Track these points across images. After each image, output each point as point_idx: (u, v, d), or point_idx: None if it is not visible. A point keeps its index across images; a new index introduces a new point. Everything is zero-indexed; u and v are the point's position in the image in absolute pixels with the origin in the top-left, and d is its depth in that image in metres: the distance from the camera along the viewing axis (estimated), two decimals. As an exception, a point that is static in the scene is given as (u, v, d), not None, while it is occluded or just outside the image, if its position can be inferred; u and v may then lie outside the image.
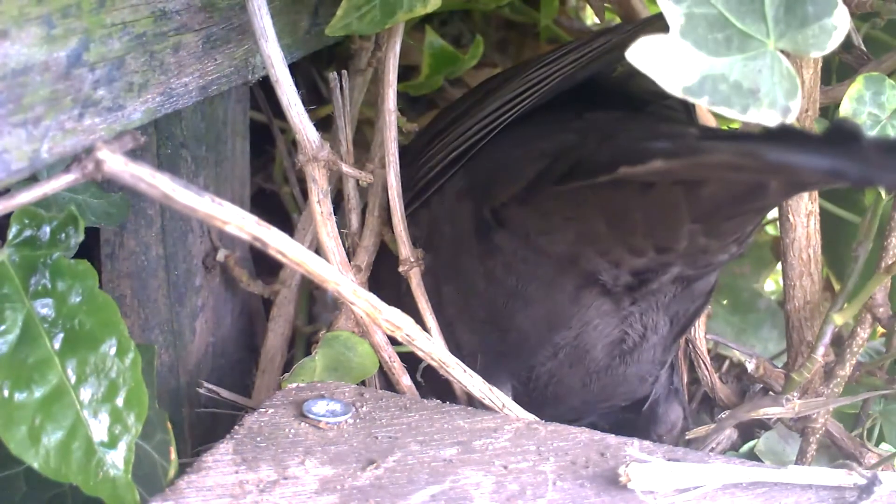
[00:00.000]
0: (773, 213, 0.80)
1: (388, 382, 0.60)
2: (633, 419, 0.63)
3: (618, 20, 0.72)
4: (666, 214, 0.47)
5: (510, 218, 0.54)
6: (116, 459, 0.46)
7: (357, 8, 0.55)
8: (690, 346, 0.67)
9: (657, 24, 0.51)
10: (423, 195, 0.61)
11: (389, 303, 0.49)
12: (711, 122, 0.67)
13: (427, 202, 0.61)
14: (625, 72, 0.64)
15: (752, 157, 0.39)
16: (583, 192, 0.48)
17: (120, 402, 0.47)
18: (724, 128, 0.70)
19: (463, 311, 0.58)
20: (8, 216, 0.46)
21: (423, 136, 0.67)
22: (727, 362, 0.71)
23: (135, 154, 0.55)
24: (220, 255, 0.69)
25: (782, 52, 0.45)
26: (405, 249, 0.59)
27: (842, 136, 0.35)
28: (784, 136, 0.38)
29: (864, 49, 0.62)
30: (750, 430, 0.68)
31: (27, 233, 0.47)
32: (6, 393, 0.44)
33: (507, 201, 0.54)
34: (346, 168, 0.58)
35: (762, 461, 0.64)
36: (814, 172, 0.37)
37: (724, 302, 0.82)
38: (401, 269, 0.59)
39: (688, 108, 0.64)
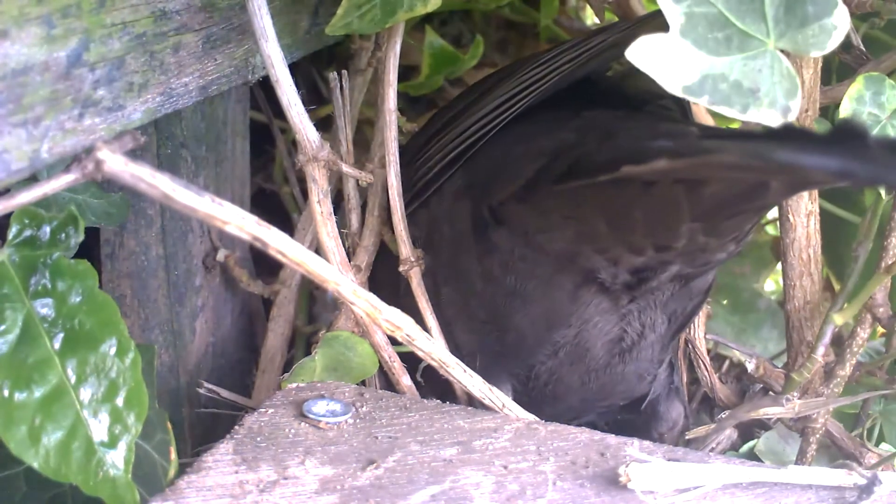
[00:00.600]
0: (773, 213, 0.80)
1: (388, 382, 0.60)
2: (633, 419, 0.63)
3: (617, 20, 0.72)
4: (666, 213, 0.47)
5: (508, 216, 0.54)
6: (116, 459, 0.46)
7: (357, 7, 0.55)
8: (690, 346, 0.67)
9: (653, 22, 0.51)
10: (422, 196, 0.61)
11: (388, 304, 0.49)
12: (708, 122, 0.67)
13: (426, 202, 0.61)
14: (620, 71, 0.64)
15: (759, 158, 0.39)
16: (582, 190, 0.48)
17: (120, 401, 0.47)
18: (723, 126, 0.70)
19: (462, 311, 0.58)
20: (8, 216, 0.46)
21: (419, 137, 0.67)
22: (727, 362, 0.71)
23: (135, 154, 0.55)
24: (220, 255, 0.69)
25: (782, 51, 0.45)
26: (405, 249, 0.59)
27: (847, 135, 0.35)
28: (788, 135, 0.38)
29: (864, 49, 0.62)
30: (750, 430, 0.68)
31: (27, 233, 0.47)
32: (6, 393, 0.44)
33: (505, 200, 0.54)
34: (346, 168, 0.58)
35: (762, 461, 0.64)
36: (822, 173, 0.37)
37: (724, 302, 0.82)
38: (401, 268, 0.59)
39: (684, 108, 0.64)
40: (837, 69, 0.68)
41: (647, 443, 0.51)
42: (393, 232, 0.60)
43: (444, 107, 0.70)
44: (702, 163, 0.41)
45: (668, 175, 0.44)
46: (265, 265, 0.74)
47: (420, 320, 0.54)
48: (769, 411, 0.60)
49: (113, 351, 0.47)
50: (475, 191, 0.57)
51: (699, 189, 0.45)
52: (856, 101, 0.55)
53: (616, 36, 0.57)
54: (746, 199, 0.45)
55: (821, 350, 0.61)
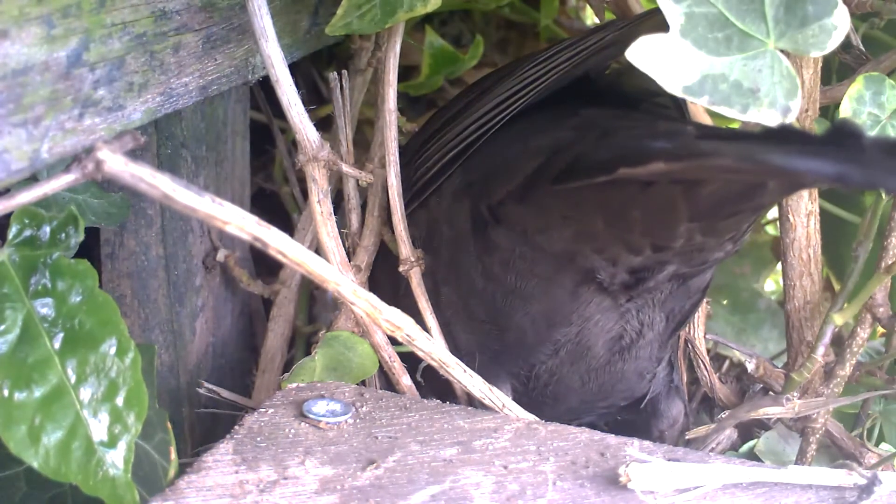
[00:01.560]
0: (773, 213, 0.80)
1: (388, 382, 0.60)
2: (634, 419, 0.63)
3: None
4: (664, 213, 0.47)
5: (507, 215, 0.54)
6: (116, 459, 0.46)
7: (357, 7, 0.55)
8: (690, 346, 0.67)
9: (650, 21, 0.51)
10: (421, 196, 0.61)
11: (388, 304, 0.49)
12: (705, 119, 0.67)
13: (425, 203, 0.61)
14: (617, 68, 0.64)
15: (755, 161, 0.39)
16: (580, 190, 0.48)
17: (120, 401, 0.47)
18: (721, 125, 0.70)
19: (461, 311, 0.58)
20: (8, 216, 0.46)
21: (418, 137, 0.67)
22: (727, 362, 0.71)
23: (135, 154, 0.55)
24: (220, 255, 0.69)
25: (782, 51, 0.45)
26: (405, 249, 0.59)
27: (843, 137, 0.35)
28: (785, 137, 0.38)
29: (863, 49, 0.62)
30: (750, 430, 0.68)
31: (27, 233, 0.47)
32: (6, 392, 0.44)
33: (503, 199, 0.54)
34: (346, 168, 0.58)
35: (762, 461, 0.64)
36: (818, 177, 0.37)
37: (724, 302, 0.82)
38: (401, 268, 0.59)
39: (679, 106, 0.64)
40: (837, 69, 0.68)
41: (647, 443, 0.51)
42: (393, 232, 0.60)
43: (443, 107, 0.70)
44: (698, 165, 0.41)
45: (665, 176, 0.44)
46: (265, 265, 0.74)
47: (420, 320, 0.54)
48: (769, 411, 0.60)
49: (113, 351, 0.47)
50: (474, 189, 0.57)
51: (696, 189, 0.45)
52: (856, 100, 0.55)
53: (613, 34, 0.57)
54: (743, 199, 0.45)
55: (821, 350, 0.61)
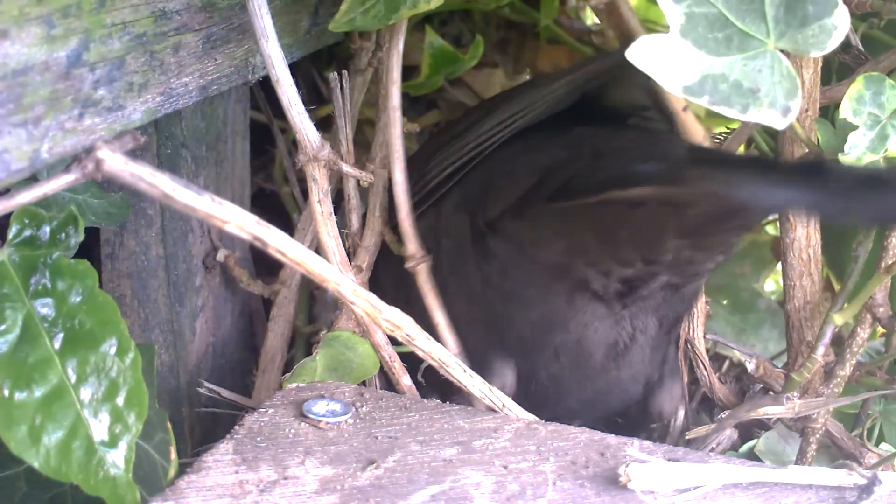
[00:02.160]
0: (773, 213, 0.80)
1: (388, 382, 0.60)
2: (634, 412, 0.63)
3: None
4: (652, 231, 0.48)
5: (504, 229, 0.55)
6: (117, 459, 0.46)
7: (361, 3, 0.55)
8: (690, 346, 0.67)
9: None
10: (420, 208, 0.61)
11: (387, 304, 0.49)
12: (695, 129, 0.67)
13: (424, 216, 0.61)
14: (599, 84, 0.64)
15: (737, 194, 0.40)
16: (573, 208, 0.50)
17: (120, 401, 0.47)
18: (721, 133, 0.70)
19: (461, 318, 0.59)
20: (8, 216, 0.46)
21: (425, 150, 0.67)
22: (727, 362, 0.71)
23: (135, 154, 0.55)
24: (220, 255, 0.69)
25: (782, 51, 0.45)
26: (412, 245, 0.59)
27: (819, 170, 0.37)
28: (767, 167, 0.40)
29: (862, 49, 0.63)
30: (750, 430, 0.68)
31: (27, 232, 0.47)
32: (6, 392, 0.44)
33: (500, 215, 0.55)
34: (346, 168, 0.58)
35: (762, 461, 0.64)
36: (796, 210, 0.38)
37: (724, 302, 0.82)
38: (407, 265, 0.59)
39: (668, 119, 0.64)
40: (837, 69, 0.68)
41: (647, 443, 0.51)
42: (394, 232, 0.60)
43: (451, 122, 0.71)
44: (684, 192, 0.43)
45: (653, 198, 0.45)
46: (265, 265, 0.74)
47: (419, 320, 0.54)
48: (769, 411, 0.60)
49: (113, 350, 0.47)
50: (472, 204, 0.58)
51: (683, 210, 0.46)
52: (856, 100, 0.55)
53: (611, 63, 0.59)
54: (729, 219, 0.47)
55: (821, 350, 0.61)
